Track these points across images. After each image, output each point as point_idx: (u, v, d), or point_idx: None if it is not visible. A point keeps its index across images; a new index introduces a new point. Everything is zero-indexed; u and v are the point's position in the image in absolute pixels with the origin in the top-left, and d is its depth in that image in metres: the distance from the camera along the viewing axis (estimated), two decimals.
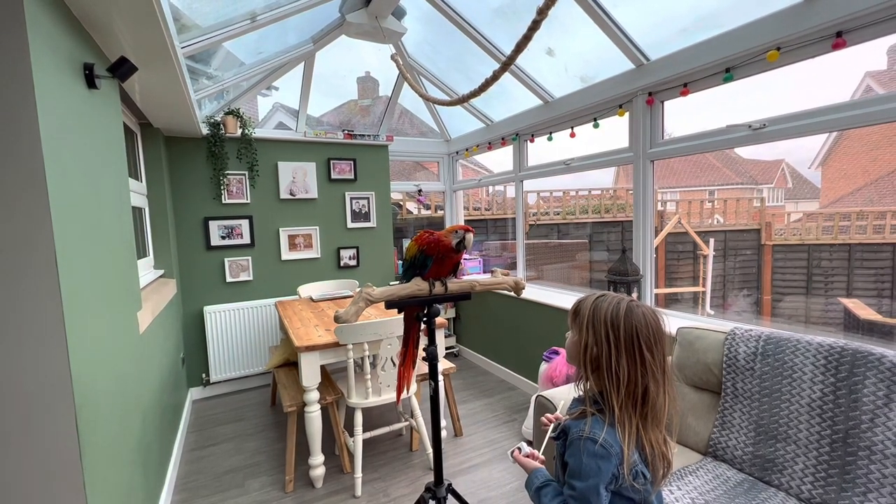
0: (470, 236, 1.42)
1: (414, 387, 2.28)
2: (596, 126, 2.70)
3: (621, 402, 0.85)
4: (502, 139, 3.56)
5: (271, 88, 3.54)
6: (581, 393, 0.94)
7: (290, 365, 2.75)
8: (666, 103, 2.36)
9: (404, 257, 1.51)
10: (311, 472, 2.19)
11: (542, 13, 1.31)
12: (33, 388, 1.00)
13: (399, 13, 2.69)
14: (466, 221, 6.04)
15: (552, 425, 0.97)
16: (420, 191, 4.45)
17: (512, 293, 1.60)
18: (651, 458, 0.86)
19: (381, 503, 2.07)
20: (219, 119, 3.17)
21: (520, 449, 1.05)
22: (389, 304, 1.42)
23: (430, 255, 1.43)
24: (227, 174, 3.30)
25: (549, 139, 3.15)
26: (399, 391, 1.74)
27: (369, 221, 3.91)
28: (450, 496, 1.62)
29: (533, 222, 9.02)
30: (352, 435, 2.20)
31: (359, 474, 2.13)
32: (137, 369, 1.73)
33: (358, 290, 1.37)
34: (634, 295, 2.37)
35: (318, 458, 2.19)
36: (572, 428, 0.88)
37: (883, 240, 7.04)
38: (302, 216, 3.63)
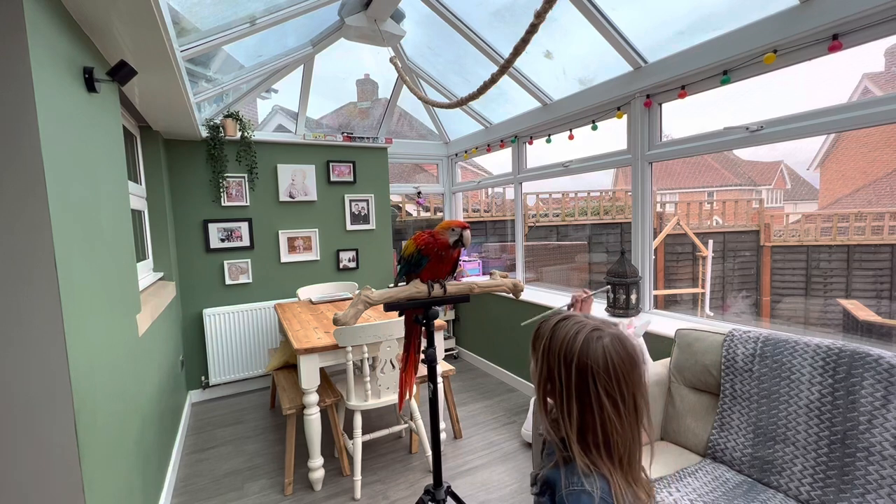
0: (468, 233, 1.42)
1: (413, 389, 2.28)
2: (594, 128, 2.71)
3: (580, 449, 0.72)
4: (501, 141, 3.56)
5: (270, 91, 3.55)
6: (544, 431, 0.79)
7: (290, 367, 2.75)
8: (664, 105, 2.37)
9: (402, 255, 1.52)
10: (311, 474, 2.18)
11: (540, 17, 1.32)
12: (32, 392, 1.00)
13: (398, 16, 2.70)
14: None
15: (531, 478, 0.84)
16: (419, 193, 4.46)
17: (511, 295, 1.60)
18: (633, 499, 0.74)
19: None
20: (218, 122, 3.18)
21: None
22: (388, 307, 1.42)
23: (427, 255, 1.43)
24: (227, 177, 3.31)
25: (548, 141, 3.15)
26: (401, 397, 1.74)
27: (368, 223, 3.91)
28: (449, 498, 1.62)
29: (532, 224, 9.03)
30: (351, 437, 2.20)
31: (358, 477, 2.13)
32: (136, 372, 1.73)
33: (357, 292, 1.37)
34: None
35: (317, 461, 2.19)
36: (557, 482, 0.74)
37: (881, 241, 7.05)
38: (301, 218, 3.64)
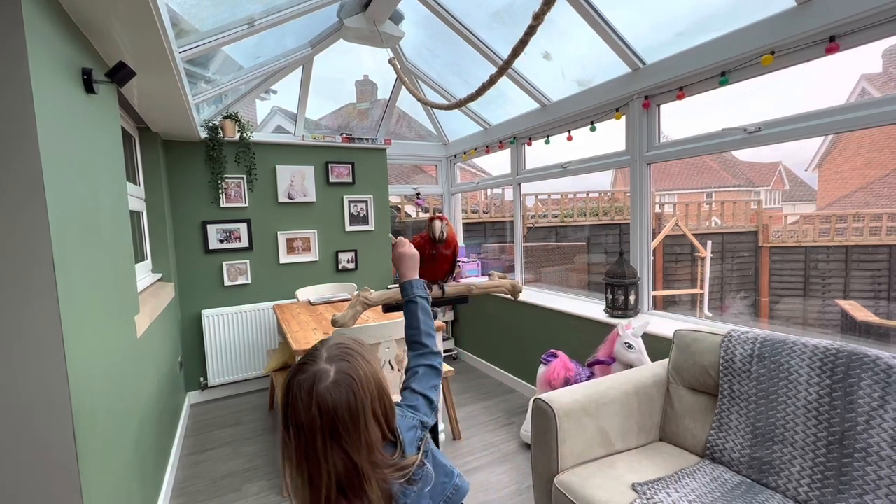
0: (436, 223, 1.43)
1: None
2: (593, 129, 2.71)
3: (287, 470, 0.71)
4: (500, 142, 3.57)
5: (269, 92, 3.55)
6: None
7: (289, 368, 2.74)
8: (662, 106, 2.38)
9: None
10: None
11: (539, 18, 1.32)
12: (30, 393, 1.00)
13: (397, 18, 2.70)
14: (465, 224, 6.04)
15: None
16: (418, 194, 4.46)
17: (509, 296, 1.60)
18: None
19: None
20: (217, 123, 3.17)
21: None
22: (387, 308, 1.42)
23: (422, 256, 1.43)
24: (226, 178, 3.30)
25: (547, 142, 3.16)
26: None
27: (368, 224, 3.91)
28: None
29: (531, 225, 9.04)
30: None
31: None
32: (135, 373, 1.73)
33: (355, 293, 1.38)
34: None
35: None
36: None
37: (879, 241, 7.08)
38: (300, 219, 3.63)
